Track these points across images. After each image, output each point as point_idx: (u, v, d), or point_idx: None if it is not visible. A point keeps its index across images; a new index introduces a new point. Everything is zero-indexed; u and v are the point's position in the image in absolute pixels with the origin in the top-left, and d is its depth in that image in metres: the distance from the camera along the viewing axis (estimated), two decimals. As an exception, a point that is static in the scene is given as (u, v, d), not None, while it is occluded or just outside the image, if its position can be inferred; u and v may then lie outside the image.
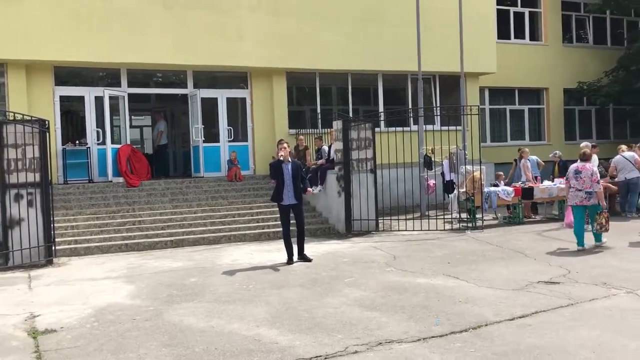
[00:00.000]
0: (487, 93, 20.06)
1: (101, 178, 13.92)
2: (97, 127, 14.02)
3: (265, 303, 6.89)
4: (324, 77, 16.30)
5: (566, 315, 6.11)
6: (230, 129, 15.42)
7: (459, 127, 14.67)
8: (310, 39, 15.17)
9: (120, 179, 13.68)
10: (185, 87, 15.27)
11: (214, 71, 15.25)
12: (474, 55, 16.02)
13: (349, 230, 12.34)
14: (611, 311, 6.20)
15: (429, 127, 14.25)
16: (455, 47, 14.63)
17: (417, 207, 14.13)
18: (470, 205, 12.57)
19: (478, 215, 12.39)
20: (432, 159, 14.40)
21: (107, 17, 13.38)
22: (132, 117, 18.98)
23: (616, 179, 13.49)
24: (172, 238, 11.49)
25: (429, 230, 12.09)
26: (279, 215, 10.02)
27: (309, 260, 9.35)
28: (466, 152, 13.68)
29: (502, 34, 19.79)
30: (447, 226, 12.56)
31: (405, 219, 12.60)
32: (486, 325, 5.83)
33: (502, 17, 19.80)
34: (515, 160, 14.85)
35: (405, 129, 13.85)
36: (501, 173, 14.28)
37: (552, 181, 14.05)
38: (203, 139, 15.00)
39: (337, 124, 12.79)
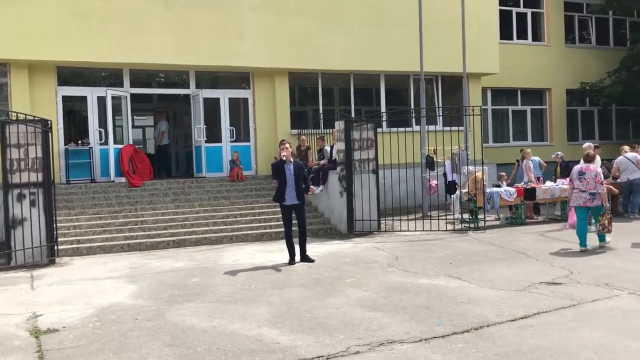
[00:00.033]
0: (489, 93, 20.04)
1: (103, 178, 13.94)
2: (99, 127, 14.04)
3: (267, 303, 6.89)
4: (326, 78, 16.31)
5: (568, 316, 6.11)
6: (233, 129, 15.43)
7: (461, 128, 14.65)
8: (313, 39, 15.17)
9: (123, 179, 13.70)
10: (188, 87, 15.29)
11: (216, 71, 15.26)
12: (477, 55, 16.01)
13: (351, 230, 12.34)
14: (613, 312, 6.19)
15: (431, 127, 14.23)
16: (457, 47, 14.63)
17: (419, 207, 14.13)
18: (472, 206, 12.56)
19: (480, 216, 12.38)
20: (434, 160, 14.38)
21: (110, 17, 13.39)
22: (135, 117, 19.03)
23: (619, 180, 13.47)
24: (174, 238, 11.50)
25: (431, 230, 12.08)
26: (281, 216, 10.02)
27: (311, 260, 9.35)
28: (468, 152, 13.68)
29: (505, 34, 19.77)
30: (449, 227, 12.55)
31: (407, 220, 12.59)
32: (488, 326, 5.82)
33: (504, 18, 19.77)
34: (518, 160, 14.84)
35: (408, 129, 13.86)
36: (503, 174, 14.28)
37: (555, 182, 14.03)
38: (205, 139, 15.00)
39: (340, 125, 12.79)
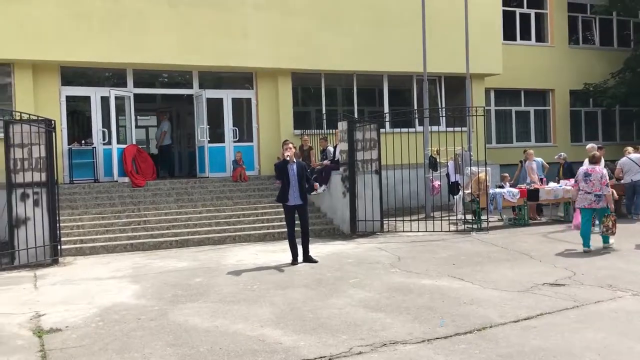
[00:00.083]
0: (492, 94, 20.02)
1: (107, 178, 13.97)
2: (103, 127, 14.07)
3: (270, 303, 6.89)
4: (329, 78, 16.31)
5: (571, 317, 6.09)
6: (236, 130, 15.44)
7: (464, 129, 14.64)
8: (316, 40, 15.17)
9: (126, 179, 13.72)
10: (191, 87, 15.31)
11: (220, 72, 15.28)
12: (480, 56, 15.99)
13: (354, 231, 12.33)
14: (617, 313, 6.18)
15: (434, 128, 14.25)
16: (461, 48, 14.62)
17: (422, 208, 14.12)
18: (475, 207, 12.54)
19: (483, 217, 12.36)
20: (437, 160, 14.38)
21: (113, 17, 13.42)
22: (138, 117, 19.05)
23: (622, 181, 13.44)
24: (177, 238, 11.51)
25: (433, 231, 12.07)
26: (283, 216, 10.02)
27: (314, 261, 9.34)
28: (471, 153, 13.66)
29: (508, 35, 19.75)
30: (452, 227, 12.54)
31: (410, 220, 12.58)
32: (491, 326, 5.81)
33: (508, 18, 19.74)
34: (521, 161, 14.82)
35: (411, 130, 13.84)
36: (506, 174, 14.26)
37: (558, 183, 14.01)
38: (208, 139, 15.02)
39: (342, 125, 12.79)
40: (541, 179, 14.08)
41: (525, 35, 20.68)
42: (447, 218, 12.78)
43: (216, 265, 9.38)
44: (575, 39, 21.85)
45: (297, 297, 7.18)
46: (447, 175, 14.50)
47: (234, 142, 15.38)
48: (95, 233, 11.44)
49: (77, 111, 14.96)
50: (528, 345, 5.24)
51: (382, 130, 13.23)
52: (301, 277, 8.33)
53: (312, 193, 12.22)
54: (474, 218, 12.54)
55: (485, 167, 12.51)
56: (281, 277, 8.37)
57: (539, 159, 14.64)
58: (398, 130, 13.61)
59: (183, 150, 19.08)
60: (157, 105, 18.67)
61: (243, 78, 15.68)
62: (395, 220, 13.09)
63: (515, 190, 13.06)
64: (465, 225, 12.59)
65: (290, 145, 10.10)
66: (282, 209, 9.95)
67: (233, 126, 15.41)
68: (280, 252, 10.20)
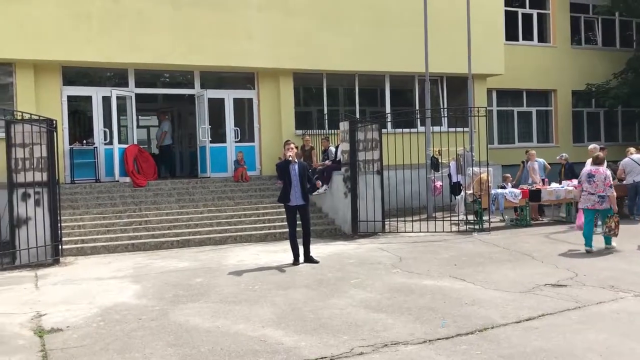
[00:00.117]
0: (494, 94, 20.00)
1: (108, 178, 13.97)
2: (104, 127, 14.07)
3: (271, 304, 6.88)
4: (331, 78, 16.30)
5: (573, 318, 6.08)
6: (237, 130, 15.44)
7: (466, 129, 14.63)
8: (318, 40, 15.16)
9: (127, 179, 13.73)
10: (193, 87, 15.30)
11: (221, 72, 15.28)
12: (482, 56, 15.97)
13: (355, 231, 12.32)
14: (619, 314, 6.16)
15: (436, 128, 14.23)
16: (463, 48, 14.59)
17: (423, 208, 14.10)
18: (477, 207, 12.53)
19: (485, 217, 12.35)
20: (439, 161, 14.36)
21: (115, 17, 13.42)
22: (140, 117, 19.05)
23: (624, 182, 13.41)
24: (178, 238, 11.51)
25: (435, 232, 12.06)
26: (285, 216, 10.01)
27: (316, 261, 9.33)
28: (473, 153, 13.64)
29: (510, 35, 19.74)
30: (454, 228, 12.52)
31: (412, 221, 12.57)
32: (492, 327, 5.80)
33: (510, 19, 19.74)
34: (523, 162, 14.80)
35: (412, 130, 13.80)
36: (508, 175, 14.24)
37: (560, 183, 13.98)
38: (210, 139, 15.02)
39: (344, 125, 12.78)
40: (543, 180, 14.05)
41: (528, 36, 20.67)
42: (448, 218, 12.77)
43: (217, 265, 9.37)
44: (578, 39, 21.82)
45: (299, 297, 7.17)
46: (449, 175, 14.47)
47: (236, 142, 15.38)
48: (97, 233, 11.45)
49: (79, 111, 14.96)
50: (530, 346, 5.22)
51: (383, 130, 13.22)
52: (302, 277, 8.32)
53: (314, 193, 12.23)
54: (475, 218, 12.53)
55: (487, 167, 12.50)
56: (282, 278, 8.36)
57: (541, 160, 14.61)
58: (400, 130, 13.56)
59: (184, 150, 19.08)
60: (158, 105, 18.66)
61: (245, 78, 15.68)
62: (397, 221, 13.07)
63: (517, 191, 13.04)
64: (467, 226, 12.57)
65: (292, 146, 10.10)
66: (284, 209, 9.94)
67: (234, 126, 15.41)
68: (281, 252, 10.19)
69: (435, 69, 15.20)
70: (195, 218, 12.42)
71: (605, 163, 12.65)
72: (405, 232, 12.28)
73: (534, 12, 20.75)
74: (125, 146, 14.20)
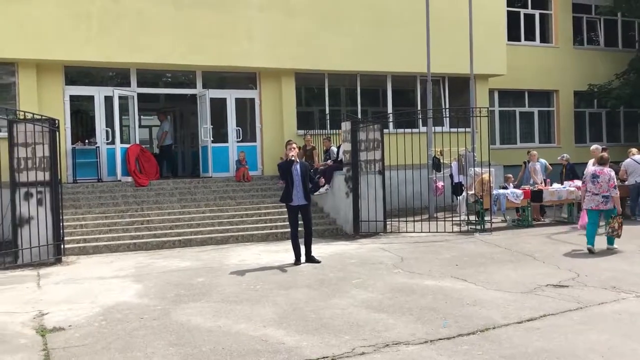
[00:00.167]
0: (496, 95, 19.98)
1: (110, 177, 13.98)
2: (106, 127, 14.08)
3: (273, 303, 6.89)
4: (332, 78, 16.30)
5: (575, 318, 6.07)
6: (239, 130, 15.44)
7: (468, 129, 14.61)
8: (320, 40, 15.16)
9: (129, 179, 13.73)
10: (194, 87, 15.31)
11: (223, 72, 15.28)
12: (484, 56, 15.96)
13: (357, 231, 12.32)
14: (620, 315, 6.16)
15: (438, 128, 14.21)
16: (464, 48, 14.58)
17: (425, 209, 14.10)
18: (478, 208, 12.53)
19: (487, 218, 12.34)
20: (441, 161, 14.36)
21: (117, 17, 13.43)
22: (142, 116, 19.08)
23: (626, 183, 13.39)
24: (180, 238, 11.52)
25: (437, 232, 12.06)
26: (286, 216, 10.01)
27: (317, 261, 9.33)
28: (475, 154, 13.63)
29: (513, 35, 19.73)
30: (456, 228, 12.52)
31: (414, 221, 12.57)
32: (494, 328, 5.80)
33: (512, 19, 19.72)
34: (525, 162, 14.79)
35: (414, 130, 13.84)
36: (510, 175, 14.22)
37: (561, 184, 13.97)
38: (212, 139, 15.03)
39: (346, 125, 12.78)
40: (545, 180, 14.04)
41: (530, 36, 20.65)
42: (450, 219, 12.76)
43: (219, 265, 9.38)
44: (580, 39, 21.80)
45: (300, 297, 7.18)
46: (451, 175, 14.47)
47: (237, 142, 15.39)
48: (99, 232, 11.46)
49: (81, 111, 14.98)
50: (531, 347, 5.22)
51: (385, 130, 13.23)
52: (304, 277, 8.32)
53: (316, 193, 12.25)
54: (477, 219, 12.53)
55: (489, 167, 12.50)
56: (284, 277, 8.36)
57: (543, 160, 14.61)
58: (402, 130, 13.57)
59: (186, 150, 19.08)
60: (160, 104, 18.68)
61: (246, 78, 15.69)
62: (399, 221, 13.08)
63: (518, 191, 13.03)
64: (469, 226, 12.57)
65: (294, 145, 10.10)
66: (285, 209, 9.94)
67: (236, 126, 15.42)
68: (283, 252, 10.20)
69: (437, 69, 15.19)
70: (197, 218, 12.43)
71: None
72: (406, 232, 12.28)
73: (536, 13, 20.73)
74: (127, 146, 14.21)
